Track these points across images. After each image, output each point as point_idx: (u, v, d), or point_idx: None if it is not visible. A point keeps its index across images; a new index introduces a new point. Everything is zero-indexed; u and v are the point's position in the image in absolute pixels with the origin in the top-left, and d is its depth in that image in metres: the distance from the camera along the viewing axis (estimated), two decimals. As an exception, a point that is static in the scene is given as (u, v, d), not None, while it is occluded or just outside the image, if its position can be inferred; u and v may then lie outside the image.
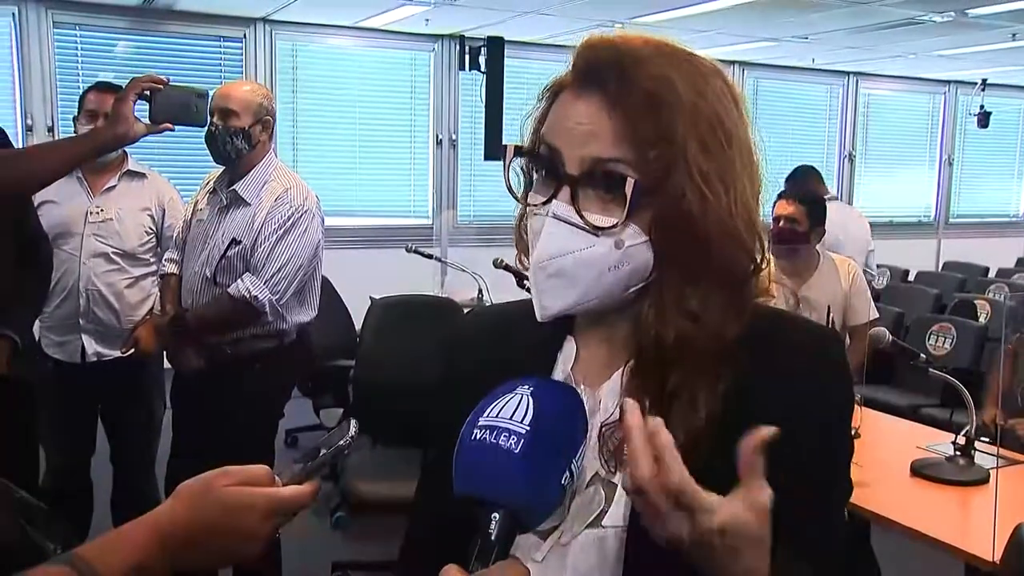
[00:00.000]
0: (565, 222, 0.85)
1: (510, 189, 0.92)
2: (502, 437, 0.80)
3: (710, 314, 0.85)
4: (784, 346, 0.90)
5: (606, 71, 0.84)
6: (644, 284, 0.87)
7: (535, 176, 0.90)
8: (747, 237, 0.86)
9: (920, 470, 2.72)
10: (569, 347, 0.95)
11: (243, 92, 2.92)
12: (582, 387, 0.92)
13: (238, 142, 2.85)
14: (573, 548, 0.87)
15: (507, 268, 3.56)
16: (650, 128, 0.82)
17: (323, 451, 0.94)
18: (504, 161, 0.91)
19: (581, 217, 0.84)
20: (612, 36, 0.87)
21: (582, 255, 0.85)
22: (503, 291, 3.70)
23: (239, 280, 2.85)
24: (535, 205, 0.87)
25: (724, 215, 0.84)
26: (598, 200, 0.85)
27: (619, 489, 0.87)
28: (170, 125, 2.33)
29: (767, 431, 0.74)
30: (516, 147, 0.90)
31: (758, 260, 0.88)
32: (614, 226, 0.84)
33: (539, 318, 0.89)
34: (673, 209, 0.83)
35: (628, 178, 0.83)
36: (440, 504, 0.89)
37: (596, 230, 0.84)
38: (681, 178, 0.82)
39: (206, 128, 2.72)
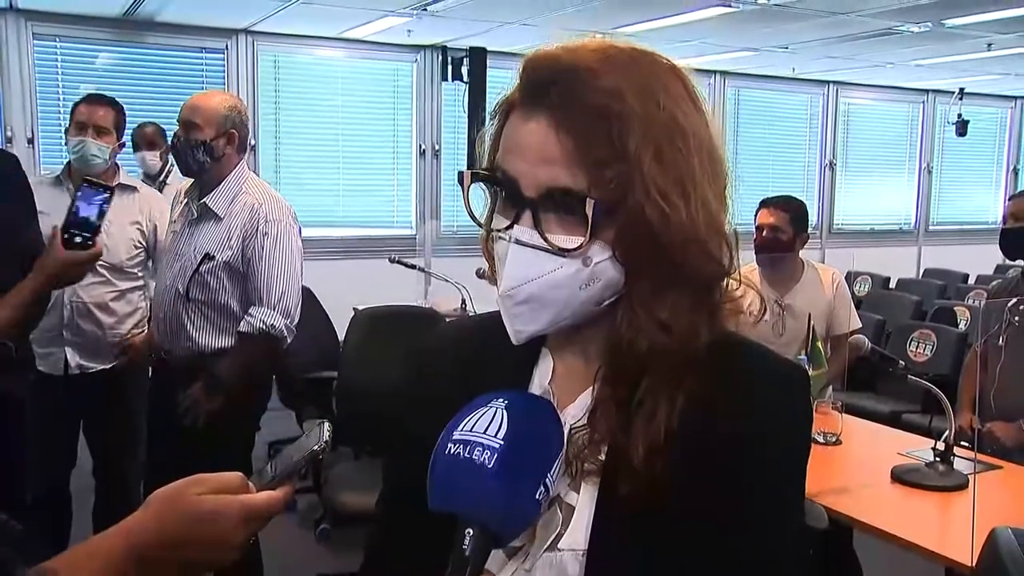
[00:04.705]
0: (529, 246, 0.82)
1: (471, 215, 0.89)
2: (476, 452, 0.79)
3: (680, 322, 0.84)
4: (750, 373, 0.89)
5: (550, 89, 0.81)
6: (617, 296, 0.85)
7: (498, 196, 0.87)
8: (711, 242, 0.84)
9: (900, 476, 2.74)
10: (546, 362, 0.94)
11: (208, 104, 2.86)
12: (555, 401, 0.90)
13: (199, 155, 2.81)
14: (533, 573, 0.86)
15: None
16: (602, 146, 0.80)
17: (296, 456, 0.92)
18: (463, 188, 0.88)
19: (545, 240, 0.82)
20: (555, 50, 0.84)
21: (550, 278, 0.82)
22: (486, 301, 3.68)
23: (248, 317, 2.81)
24: (499, 230, 0.85)
25: (686, 224, 0.82)
26: (560, 221, 0.82)
27: (576, 512, 0.86)
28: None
29: None
30: (473, 173, 0.88)
31: (726, 264, 0.86)
32: (579, 247, 0.82)
33: (514, 342, 0.87)
34: (634, 224, 0.81)
35: (587, 199, 0.80)
36: (405, 516, 0.88)
37: (562, 251, 0.82)
38: (639, 194, 0.80)
39: (171, 140, 2.68)
